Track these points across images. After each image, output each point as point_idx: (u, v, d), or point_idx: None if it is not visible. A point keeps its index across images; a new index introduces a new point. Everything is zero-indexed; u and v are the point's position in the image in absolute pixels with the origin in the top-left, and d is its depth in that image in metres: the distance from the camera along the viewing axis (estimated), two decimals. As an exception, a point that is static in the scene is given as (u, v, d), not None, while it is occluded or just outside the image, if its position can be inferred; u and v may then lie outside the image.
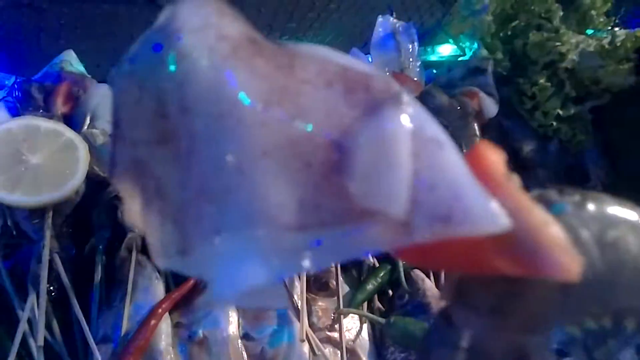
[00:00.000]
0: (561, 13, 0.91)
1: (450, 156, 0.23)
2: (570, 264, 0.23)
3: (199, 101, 0.23)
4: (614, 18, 0.94)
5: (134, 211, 0.24)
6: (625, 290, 0.27)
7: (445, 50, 1.05)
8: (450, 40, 1.02)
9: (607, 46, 0.86)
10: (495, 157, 0.25)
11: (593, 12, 0.93)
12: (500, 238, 0.23)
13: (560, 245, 0.24)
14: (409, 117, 0.23)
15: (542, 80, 0.87)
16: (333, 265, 0.72)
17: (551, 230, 0.24)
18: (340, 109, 0.23)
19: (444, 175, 0.23)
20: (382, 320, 0.68)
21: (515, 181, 0.24)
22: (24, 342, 0.63)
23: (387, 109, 0.23)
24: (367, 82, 0.23)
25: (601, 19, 0.94)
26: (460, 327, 0.27)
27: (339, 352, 0.66)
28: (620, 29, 0.92)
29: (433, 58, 1.04)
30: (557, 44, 0.87)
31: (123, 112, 0.24)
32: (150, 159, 0.24)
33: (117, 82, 0.24)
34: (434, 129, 0.23)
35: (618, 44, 0.86)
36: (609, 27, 0.93)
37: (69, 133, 0.70)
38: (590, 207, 0.27)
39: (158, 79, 0.23)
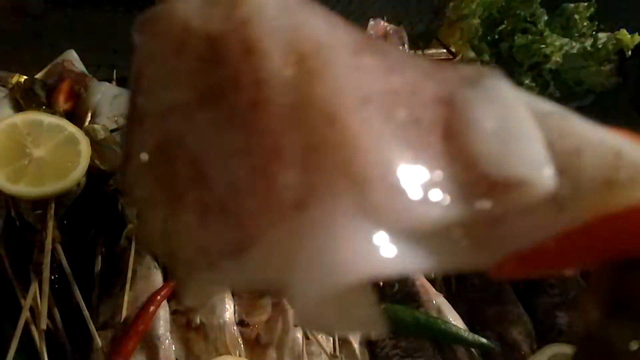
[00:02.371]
0: (546, 17, 0.95)
1: (581, 122, 0.19)
2: None
3: (272, 40, 0.18)
4: (597, 22, 0.98)
5: (154, 222, 0.19)
6: None
7: (436, 53, 1.09)
8: (440, 44, 1.06)
9: (589, 48, 0.90)
10: None
11: (577, 17, 0.97)
12: None
13: None
14: (515, 90, 0.19)
15: (527, 81, 0.90)
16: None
17: None
18: (435, 73, 0.19)
19: (586, 138, 0.18)
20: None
21: None
22: (25, 330, 0.65)
23: (490, 78, 0.19)
24: (452, 64, 0.20)
25: (585, 23, 0.98)
26: (624, 350, 0.20)
27: (331, 338, 0.68)
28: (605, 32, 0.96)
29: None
30: (542, 46, 0.91)
31: (154, 68, 0.19)
32: (187, 129, 0.18)
33: (148, 27, 0.19)
34: (548, 104, 0.19)
35: (600, 46, 0.90)
36: (593, 31, 0.97)
37: (71, 128, 0.72)
38: None
39: (211, 19, 0.18)
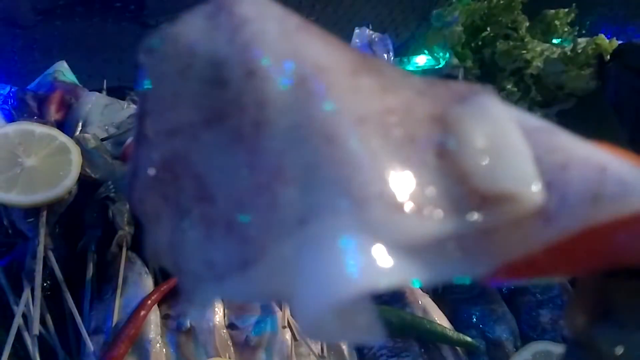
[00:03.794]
0: (527, 23, 0.98)
1: (568, 138, 0.20)
2: None
3: (272, 63, 0.19)
4: (577, 27, 1.00)
5: (161, 236, 0.19)
6: None
7: (421, 60, 1.11)
8: (425, 51, 1.08)
9: (569, 53, 0.92)
10: None
11: (557, 22, 0.99)
12: None
13: None
14: (505, 107, 0.20)
15: (509, 86, 0.92)
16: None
17: None
18: (428, 91, 0.20)
19: (572, 153, 0.19)
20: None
21: None
22: (18, 336, 0.66)
23: (480, 95, 0.19)
24: (444, 82, 0.21)
25: (565, 29, 1.00)
26: (610, 355, 0.21)
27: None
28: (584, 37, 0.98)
29: (410, 68, 1.10)
30: (523, 52, 0.93)
31: (161, 89, 0.20)
32: (193, 149, 0.19)
33: (156, 49, 0.20)
34: (536, 119, 0.20)
35: (579, 51, 0.92)
36: (573, 36, 0.99)
37: (62, 137, 0.74)
38: None
39: (215, 43, 0.19)
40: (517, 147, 0.18)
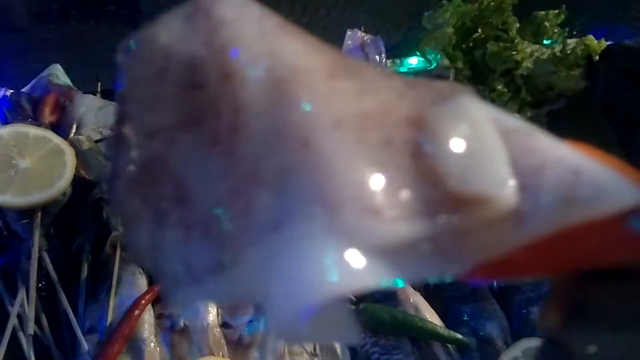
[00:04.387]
0: (517, 25, 0.99)
1: (544, 140, 0.20)
2: None
3: (249, 66, 0.19)
4: (567, 29, 1.01)
5: (141, 237, 0.19)
6: None
7: (414, 61, 1.12)
8: (417, 53, 1.09)
9: (558, 54, 0.93)
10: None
11: (547, 24, 1.00)
12: (634, 214, 0.19)
13: None
14: (484, 107, 0.20)
15: (499, 87, 0.93)
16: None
17: None
18: (407, 93, 0.20)
19: (547, 156, 0.19)
20: (352, 306, 0.73)
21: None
22: (13, 336, 0.67)
23: (460, 96, 0.20)
24: (425, 81, 0.21)
25: (555, 30, 1.01)
26: (583, 354, 0.21)
27: (312, 337, 0.70)
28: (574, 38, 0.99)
29: (402, 69, 1.10)
30: (513, 53, 0.94)
31: (138, 92, 0.20)
32: (170, 152, 0.19)
33: (132, 52, 0.20)
34: (514, 120, 0.20)
35: (569, 52, 0.93)
36: (563, 37, 1.00)
37: (56, 139, 0.74)
38: None
39: (190, 46, 0.19)
40: (492, 150, 0.19)
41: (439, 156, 0.18)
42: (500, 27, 0.98)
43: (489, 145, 0.19)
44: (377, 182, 0.18)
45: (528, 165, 0.19)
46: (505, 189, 0.18)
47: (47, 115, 0.82)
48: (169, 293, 0.19)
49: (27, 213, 0.71)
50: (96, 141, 0.80)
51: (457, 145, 0.18)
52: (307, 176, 0.17)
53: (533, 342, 0.70)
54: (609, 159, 0.20)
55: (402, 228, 0.17)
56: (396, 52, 1.06)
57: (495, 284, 0.77)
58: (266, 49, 0.19)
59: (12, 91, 0.84)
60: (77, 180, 0.75)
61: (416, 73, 1.05)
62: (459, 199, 0.18)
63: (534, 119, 0.94)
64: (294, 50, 0.19)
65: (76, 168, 0.74)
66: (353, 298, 0.71)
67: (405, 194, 0.18)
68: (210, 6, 0.20)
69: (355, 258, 0.17)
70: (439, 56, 1.03)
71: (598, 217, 0.18)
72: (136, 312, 0.68)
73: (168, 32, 0.20)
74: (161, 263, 0.19)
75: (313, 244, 0.17)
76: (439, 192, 0.18)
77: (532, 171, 0.18)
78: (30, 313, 0.66)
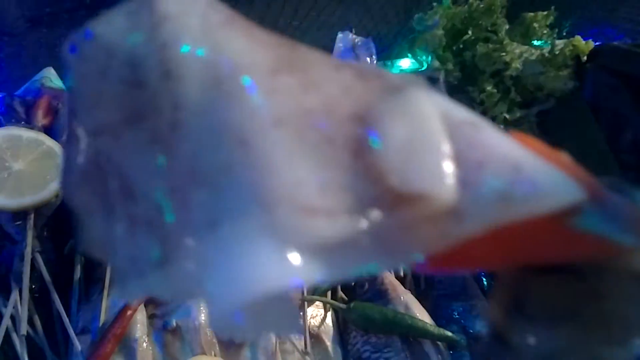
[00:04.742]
0: (507, 26, 1.00)
1: (491, 134, 0.20)
2: None
3: (189, 64, 0.18)
4: (556, 30, 1.02)
5: (93, 230, 0.20)
6: None
7: (405, 63, 1.13)
8: (408, 54, 1.10)
9: (547, 54, 0.94)
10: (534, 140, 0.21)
11: (536, 25, 1.01)
12: (574, 213, 0.19)
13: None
14: (433, 100, 0.20)
15: (489, 88, 0.94)
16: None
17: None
18: (355, 87, 0.20)
19: (491, 151, 0.19)
20: (343, 305, 0.74)
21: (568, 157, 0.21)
22: (6, 337, 0.67)
23: (409, 89, 0.19)
24: (378, 72, 0.20)
25: (544, 31, 1.02)
26: (523, 347, 0.22)
27: (303, 336, 0.71)
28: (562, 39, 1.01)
29: (394, 71, 1.12)
30: (502, 54, 0.95)
31: (83, 88, 0.20)
32: (115, 148, 0.19)
33: (75, 50, 0.20)
34: (464, 112, 0.20)
35: (557, 52, 0.94)
36: (552, 38, 1.02)
37: (49, 142, 0.75)
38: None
39: (132, 43, 0.19)
40: (434, 146, 0.18)
41: (380, 153, 0.18)
42: (489, 28, 0.99)
43: (431, 141, 0.18)
44: (314, 180, 0.18)
45: (471, 160, 0.19)
46: (444, 186, 0.18)
47: (40, 118, 0.82)
48: (118, 284, 0.20)
49: (20, 215, 0.72)
50: (89, 144, 0.81)
51: (398, 141, 0.18)
52: (244, 175, 0.17)
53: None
54: (557, 155, 0.20)
55: (337, 226, 0.17)
56: (387, 54, 1.07)
57: (485, 281, 0.78)
58: (208, 46, 0.19)
59: (5, 94, 0.84)
60: (69, 183, 0.75)
61: (408, 74, 1.06)
62: (398, 196, 0.18)
63: (523, 119, 0.95)
64: (237, 46, 0.19)
65: (69, 170, 0.75)
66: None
67: (343, 192, 0.18)
68: (154, 1, 0.19)
69: (290, 255, 0.17)
70: (429, 58, 1.04)
71: (536, 215, 0.18)
72: (128, 312, 0.68)
73: (111, 28, 0.20)
74: (110, 256, 0.20)
75: (249, 242, 0.17)
76: (378, 189, 0.18)
77: (474, 167, 0.18)
78: (23, 314, 0.67)
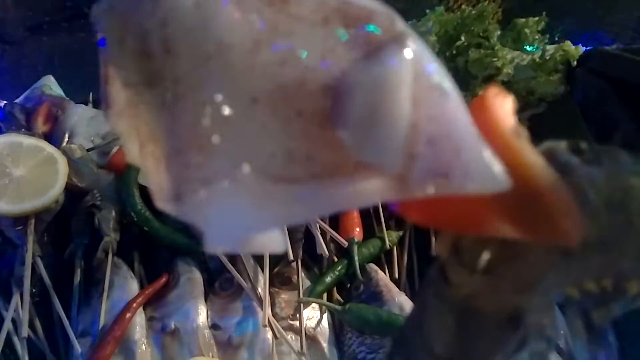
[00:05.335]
0: (498, 32, 1.01)
1: (454, 107, 0.21)
2: (573, 230, 0.22)
3: (183, 41, 0.21)
4: (548, 35, 1.04)
5: (133, 152, 0.23)
6: (630, 253, 0.24)
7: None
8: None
9: (538, 60, 0.96)
10: (503, 107, 0.23)
11: (527, 31, 1.03)
12: (502, 199, 0.21)
13: (564, 211, 0.22)
14: (411, 60, 0.21)
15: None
16: (294, 261, 0.79)
17: (556, 194, 0.22)
18: (336, 49, 0.21)
19: (444, 128, 0.21)
20: (338, 307, 0.75)
21: (523, 134, 0.23)
22: (8, 340, 0.68)
23: (387, 49, 0.21)
24: (368, 19, 0.21)
25: (535, 36, 1.04)
26: (455, 284, 0.26)
27: (299, 337, 0.72)
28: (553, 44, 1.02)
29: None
30: (494, 59, 0.97)
31: (111, 51, 0.23)
32: (141, 102, 0.22)
33: (99, 20, 0.23)
34: (440, 75, 0.21)
35: (548, 57, 0.96)
36: (544, 44, 1.03)
37: (49, 148, 0.77)
38: (603, 165, 0.24)
39: (140, 17, 0.21)
40: (394, 118, 0.20)
41: (341, 125, 0.21)
42: (481, 34, 1.01)
43: (391, 113, 0.20)
44: (284, 151, 0.21)
45: (425, 133, 0.21)
46: (392, 159, 0.21)
47: (40, 125, 0.84)
48: (154, 193, 0.23)
49: (21, 220, 0.73)
50: (88, 150, 0.82)
51: (360, 114, 0.20)
52: (229, 146, 0.21)
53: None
54: (509, 139, 0.22)
55: (291, 190, 0.21)
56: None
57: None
58: (200, 23, 0.21)
59: (5, 102, 0.86)
60: (69, 188, 0.77)
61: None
62: (355, 165, 0.21)
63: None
64: (222, 20, 0.21)
65: (68, 176, 0.76)
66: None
67: (308, 160, 0.21)
68: None
69: (256, 210, 0.21)
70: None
71: (465, 195, 0.21)
72: (128, 315, 0.70)
73: (121, 2, 0.22)
74: (147, 172, 0.23)
75: (230, 198, 0.21)
76: (339, 158, 0.21)
77: (425, 142, 0.21)
78: (24, 317, 0.68)
